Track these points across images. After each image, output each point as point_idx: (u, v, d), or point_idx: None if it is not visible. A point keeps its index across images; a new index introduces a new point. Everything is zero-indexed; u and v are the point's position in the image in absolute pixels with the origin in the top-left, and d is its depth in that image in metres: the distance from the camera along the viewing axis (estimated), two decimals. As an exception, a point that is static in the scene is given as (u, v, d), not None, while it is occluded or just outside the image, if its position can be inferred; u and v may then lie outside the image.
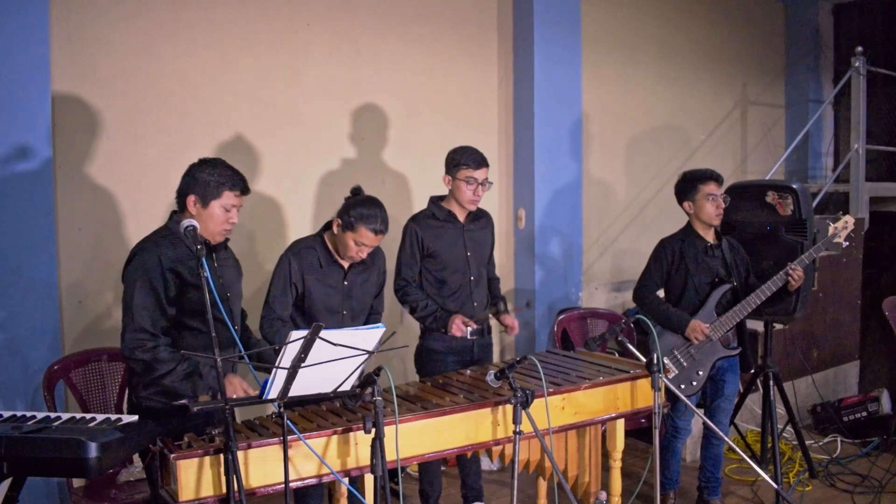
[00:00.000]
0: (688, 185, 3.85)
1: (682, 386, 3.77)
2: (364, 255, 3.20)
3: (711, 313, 3.79)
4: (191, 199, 2.74)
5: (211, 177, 2.73)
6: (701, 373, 3.80)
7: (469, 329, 3.56)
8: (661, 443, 4.05)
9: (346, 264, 3.29)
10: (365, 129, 4.69)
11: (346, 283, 3.29)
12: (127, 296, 2.68)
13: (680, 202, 3.89)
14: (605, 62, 5.78)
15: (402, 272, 3.66)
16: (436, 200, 3.74)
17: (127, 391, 2.89)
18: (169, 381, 2.64)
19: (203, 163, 2.79)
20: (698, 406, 3.95)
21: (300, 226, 4.39)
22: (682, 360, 3.79)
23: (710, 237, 3.87)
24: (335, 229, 3.22)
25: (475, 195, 3.62)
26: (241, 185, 2.79)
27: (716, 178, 3.82)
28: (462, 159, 3.59)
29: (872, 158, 6.62)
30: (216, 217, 2.75)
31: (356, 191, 3.29)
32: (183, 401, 2.42)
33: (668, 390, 3.45)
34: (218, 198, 2.74)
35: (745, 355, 3.92)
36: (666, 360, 3.77)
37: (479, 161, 3.61)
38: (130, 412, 2.79)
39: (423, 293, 3.64)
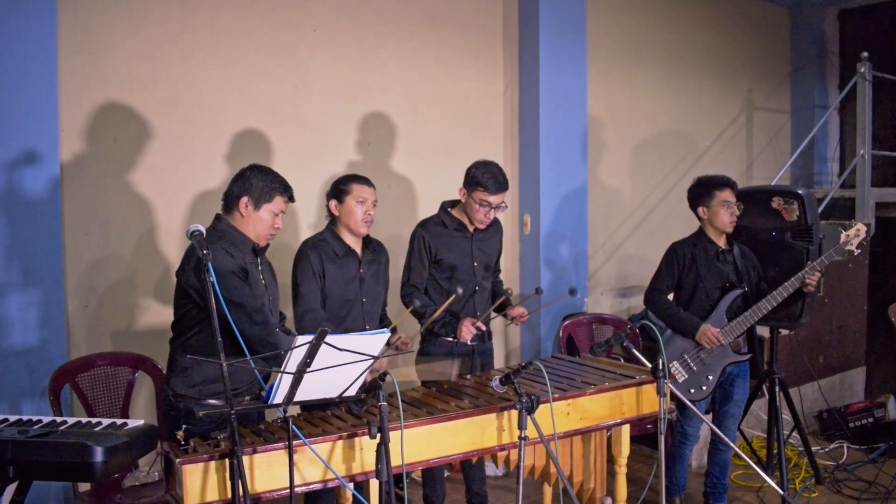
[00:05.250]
0: (703, 191, 3.83)
1: (692, 390, 3.76)
2: (373, 214, 3.30)
3: (722, 318, 3.79)
4: (244, 200, 2.84)
5: (264, 182, 2.86)
6: (711, 378, 3.79)
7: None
8: (668, 449, 4.06)
9: (359, 251, 3.37)
10: (371, 134, 4.70)
11: (361, 270, 3.36)
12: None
13: (693, 207, 3.88)
14: (611, 68, 5.78)
15: (410, 278, 3.65)
16: (447, 207, 3.71)
17: (166, 388, 2.90)
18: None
19: (256, 168, 2.90)
20: (707, 412, 3.94)
21: (306, 230, 4.39)
22: (692, 365, 3.79)
23: (721, 242, 3.87)
24: (335, 212, 3.32)
25: (486, 217, 3.58)
26: (290, 193, 2.93)
27: (731, 185, 3.81)
28: (482, 180, 3.49)
29: (878, 164, 6.60)
30: (265, 220, 2.87)
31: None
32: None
33: (674, 396, 3.44)
34: (269, 202, 2.87)
35: (756, 361, 3.91)
36: (676, 364, 3.76)
37: (499, 186, 3.50)
38: (166, 410, 2.86)
39: (429, 299, 3.64)
